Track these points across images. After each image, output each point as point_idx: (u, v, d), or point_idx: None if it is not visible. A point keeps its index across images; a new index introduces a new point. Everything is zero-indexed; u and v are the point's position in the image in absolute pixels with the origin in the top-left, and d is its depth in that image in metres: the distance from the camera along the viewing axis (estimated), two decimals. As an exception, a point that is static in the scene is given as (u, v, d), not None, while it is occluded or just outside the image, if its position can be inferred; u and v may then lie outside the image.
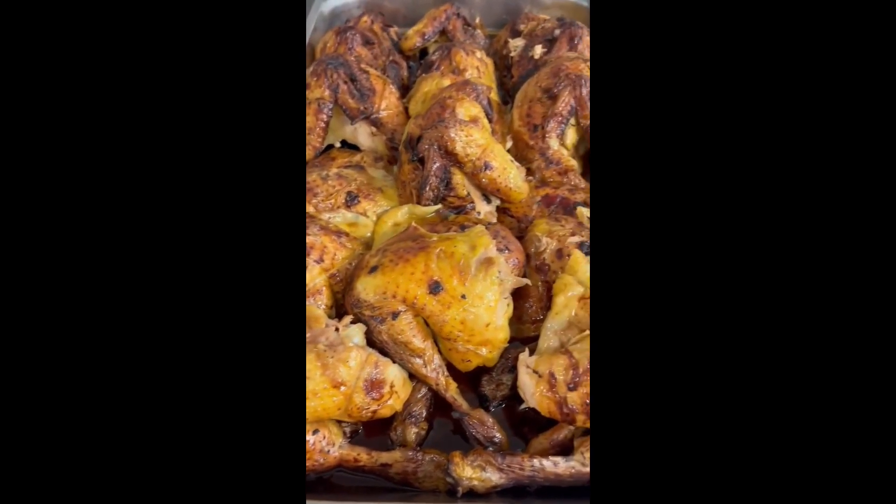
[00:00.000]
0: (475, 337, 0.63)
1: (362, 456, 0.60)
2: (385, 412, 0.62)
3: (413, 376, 0.65)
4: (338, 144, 0.93)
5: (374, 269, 0.63)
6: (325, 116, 0.87)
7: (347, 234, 0.72)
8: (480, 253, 0.62)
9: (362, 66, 0.91)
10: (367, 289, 0.63)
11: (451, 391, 0.64)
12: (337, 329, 0.61)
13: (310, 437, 0.59)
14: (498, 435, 0.62)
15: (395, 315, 0.62)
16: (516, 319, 0.71)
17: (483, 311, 0.62)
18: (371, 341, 0.64)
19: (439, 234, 0.66)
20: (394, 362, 0.63)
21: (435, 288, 0.61)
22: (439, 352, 0.65)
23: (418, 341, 0.63)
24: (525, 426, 0.65)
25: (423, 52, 1.11)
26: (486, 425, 0.61)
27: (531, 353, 0.63)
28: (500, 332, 0.63)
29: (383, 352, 0.63)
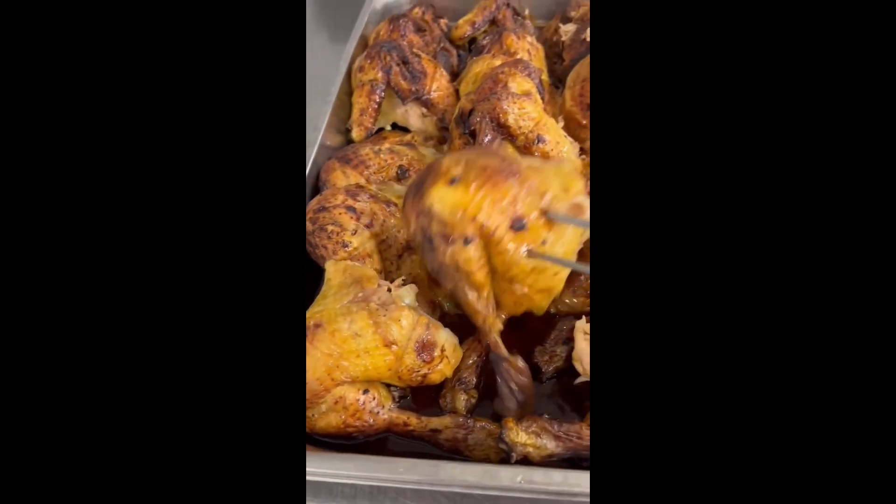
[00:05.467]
0: (538, 283, 0.58)
1: (412, 420, 0.59)
2: (435, 377, 0.60)
3: (462, 342, 0.63)
4: (388, 127, 0.94)
5: (454, 181, 0.55)
6: (377, 97, 0.89)
7: (397, 205, 0.72)
8: (573, 196, 0.56)
9: (414, 50, 0.93)
10: (444, 201, 0.54)
11: (495, 332, 0.60)
12: (389, 289, 0.60)
13: (360, 397, 0.58)
14: (528, 385, 0.58)
15: (468, 241, 0.54)
16: (570, 293, 0.69)
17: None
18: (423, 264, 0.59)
19: (526, 159, 0.58)
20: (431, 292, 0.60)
21: (518, 225, 0.54)
22: None
23: (482, 275, 0.56)
24: (585, 401, 0.62)
25: (472, 43, 1.12)
26: (522, 374, 0.57)
27: (588, 321, 0.60)
28: (562, 281, 0.59)
29: (436, 274, 0.59)
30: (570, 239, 0.57)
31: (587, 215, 0.56)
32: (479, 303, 0.58)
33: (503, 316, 0.62)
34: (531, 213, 0.54)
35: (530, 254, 0.55)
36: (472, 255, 0.55)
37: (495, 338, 0.59)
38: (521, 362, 0.59)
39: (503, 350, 0.59)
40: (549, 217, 0.55)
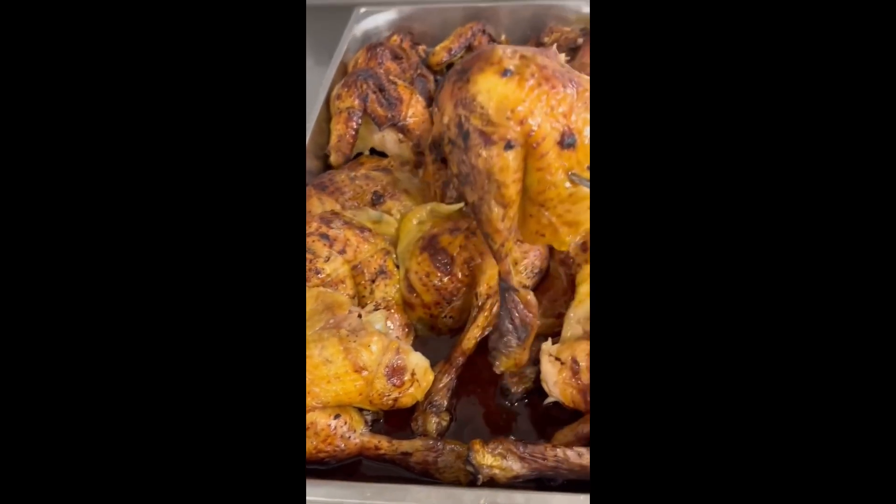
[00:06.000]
0: (569, 214, 0.52)
1: (383, 444, 0.60)
2: (406, 401, 0.61)
3: (434, 364, 0.64)
4: (367, 152, 0.96)
5: (508, 73, 0.48)
6: (354, 124, 0.91)
7: (371, 230, 0.74)
8: None
9: (391, 77, 0.95)
10: (492, 92, 0.47)
11: (511, 260, 0.56)
12: (360, 315, 0.62)
13: (331, 422, 0.59)
14: (533, 324, 0.56)
15: (510, 145, 0.47)
16: (540, 314, 0.71)
17: None
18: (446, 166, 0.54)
19: (583, 74, 0.52)
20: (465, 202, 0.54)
21: (568, 141, 0.48)
22: None
23: (514, 189, 0.50)
24: (549, 426, 0.63)
25: (450, 67, 1.15)
26: (530, 309, 0.55)
27: (553, 343, 0.62)
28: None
29: (461, 179, 0.52)
30: None
31: None
32: (503, 223, 0.51)
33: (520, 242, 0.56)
34: (584, 130, 0.48)
35: (572, 177, 0.49)
36: (510, 164, 0.48)
37: (509, 266, 0.55)
38: (531, 296, 0.57)
39: (514, 280, 0.56)
40: None
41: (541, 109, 0.47)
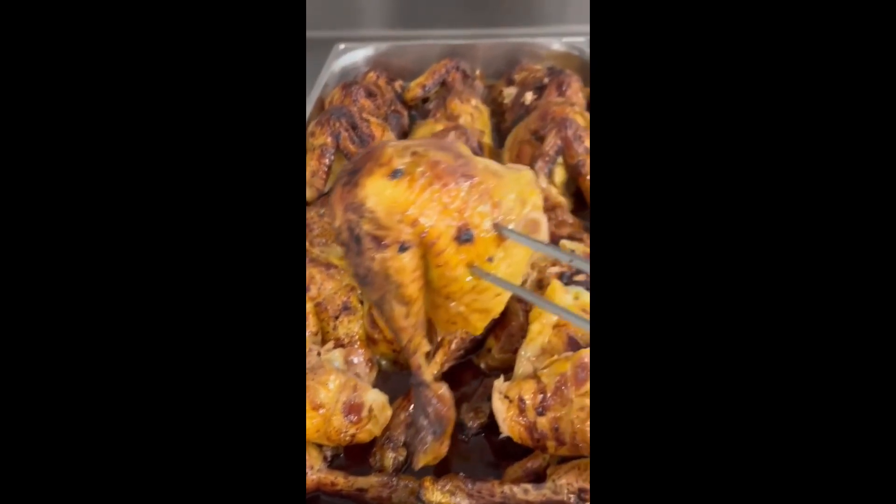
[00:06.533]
0: (477, 303, 0.52)
1: (339, 480, 0.62)
2: (363, 437, 0.63)
3: (395, 400, 0.66)
4: (340, 187, 0.99)
5: (397, 174, 0.47)
6: (327, 161, 0.94)
7: (337, 267, 0.77)
8: (527, 211, 0.50)
9: (364, 115, 0.99)
10: (381, 196, 0.46)
11: (420, 354, 0.55)
12: (319, 353, 0.64)
13: (288, 459, 0.60)
14: (448, 417, 0.55)
15: (403, 247, 0.47)
16: (499, 349, 0.73)
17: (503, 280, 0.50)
18: (349, 263, 0.52)
19: (483, 160, 0.51)
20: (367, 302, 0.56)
21: (465, 236, 0.47)
22: None
23: (415, 287, 0.49)
24: (504, 459, 0.65)
25: (425, 101, 1.19)
26: (444, 403, 0.54)
27: (506, 379, 0.64)
28: (503, 304, 0.54)
29: (360, 280, 0.51)
30: (519, 259, 0.50)
31: (543, 233, 0.50)
32: (407, 319, 0.51)
33: (438, 336, 0.56)
34: (481, 223, 0.47)
35: (474, 271, 0.49)
36: (406, 265, 0.47)
37: (419, 360, 0.54)
38: (444, 389, 0.55)
39: (426, 374, 0.55)
40: (500, 231, 0.48)
41: (434, 208, 0.46)
